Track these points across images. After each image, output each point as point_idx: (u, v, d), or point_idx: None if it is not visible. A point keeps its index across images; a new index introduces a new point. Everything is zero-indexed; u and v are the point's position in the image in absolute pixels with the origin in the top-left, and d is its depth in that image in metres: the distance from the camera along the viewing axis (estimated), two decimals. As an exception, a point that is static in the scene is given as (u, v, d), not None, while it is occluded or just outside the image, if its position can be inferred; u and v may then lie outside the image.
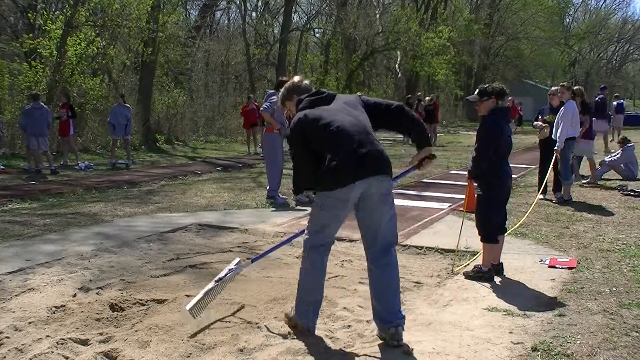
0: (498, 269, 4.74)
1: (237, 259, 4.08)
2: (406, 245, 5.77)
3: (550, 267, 4.94)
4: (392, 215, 3.39)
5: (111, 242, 5.75)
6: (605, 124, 16.58)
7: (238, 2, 29.61)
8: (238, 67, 28.05)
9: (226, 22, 36.32)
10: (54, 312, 3.82)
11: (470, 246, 5.43)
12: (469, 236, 5.35)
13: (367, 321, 3.60)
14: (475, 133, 4.88)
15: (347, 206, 3.30)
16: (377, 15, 30.91)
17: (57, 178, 11.22)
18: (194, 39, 24.68)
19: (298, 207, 7.59)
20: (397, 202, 8.25)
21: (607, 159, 10.97)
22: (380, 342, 3.34)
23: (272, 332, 3.49)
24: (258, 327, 3.57)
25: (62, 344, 3.26)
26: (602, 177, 10.61)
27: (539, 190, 8.05)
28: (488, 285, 4.51)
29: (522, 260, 5.17)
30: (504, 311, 3.91)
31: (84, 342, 3.34)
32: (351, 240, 5.71)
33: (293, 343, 3.34)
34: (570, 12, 56.41)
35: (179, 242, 5.91)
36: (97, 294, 4.20)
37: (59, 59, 15.74)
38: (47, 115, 11.96)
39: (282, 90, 3.71)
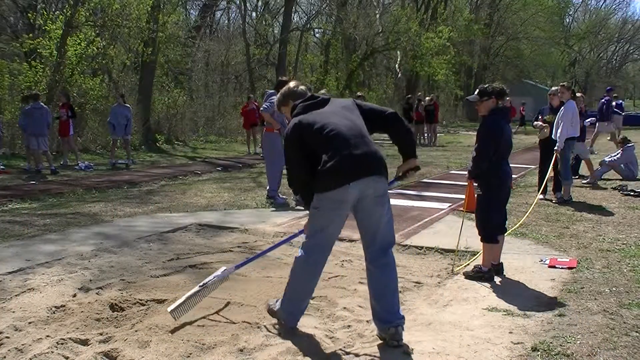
0: (498, 269, 4.74)
1: (223, 267, 4.11)
2: (406, 245, 5.77)
3: (550, 267, 4.94)
4: (390, 217, 3.41)
5: (111, 242, 5.75)
6: (611, 125, 16.61)
7: (238, 2, 29.62)
8: (238, 67, 28.05)
9: (226, 22, 36.38)
10: (54, 312, 3.82)
11: (470, 246, 5.43)
12: (469, 236, 5.35)
13: (367, 321, 3.60)
14: (475, 133, 4.88)
15: (345, 207, 3.30)
16: (377, 15, 30.91)
17: (57, 178, 11.22)
18: (194, 39, 24.68)
19: (298, 207, 7.59)
20: (397, 202, 8.32)
21: (607, 159, 10.97)
22: (380, 342, 3.34)
23: (272, 332, 3.49)
24: (258, 327, 3.57)
25: (62, 344, 3.26)
26: (602, 177, 10.62)
27: (539, 190, 8.05)
28: (488, 285, 4.51)
29: (522, 260, 5.17)
30: (504, 311, 3.91)
31: (84, 342, 3.34)
32: (351, 240, 5.70)
33: (293, 343, 3.34)
34: (570, 12, 56.47)
35: (179, 242, 5.91)
36: (97, 294, 4.20)
37: (59, 59, 15.74)
38: (47, 115, 11.96)
39: (278, 95, 3.74)
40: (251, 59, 26.57)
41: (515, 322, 3.70)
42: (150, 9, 17.57)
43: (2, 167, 12.14)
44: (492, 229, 4.69)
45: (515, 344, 3.36)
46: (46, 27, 16.18)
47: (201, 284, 3.88)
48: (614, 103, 22.02)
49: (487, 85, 4.82)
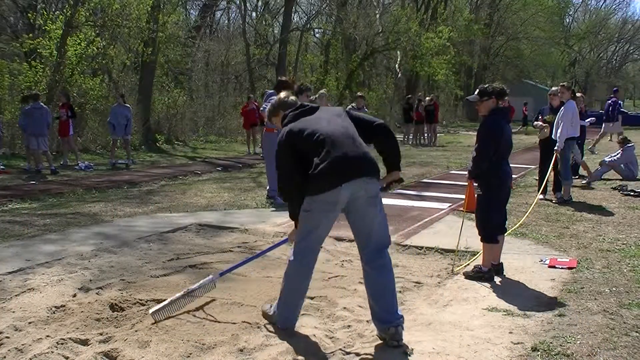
0: (498, 269, 4.74)
1: (210, 276, 4.13)
2: (406, 245, 5.77)
3: (550, 267, 4.94)
4: (383, 217, 3.43)
5: (111, 242, 5.75)
6: (618, 125, 16.61)
7: (238, 2, 29.61)
8: (238, 67, 28.04)
9: (226, 22, 36.35)
10: (54, 312, 3.82)
11: (470, 246, 5.43)
12: (469, 236, 5.35)
13: (367, 321, 3.60)
14: (475, 133, 4.88)
15: (336, 209, 3.33)
16: (377, 15, 30.88)
17: (57, 178, 11.22)
18: (194, 39, 24.67)
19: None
20: (397, 202, 8.32)
21: (607, 159, 10.97)
22: (380, 342, 3.34)
23: (272, 332, 3.49)
24: (258, 327, 3.57)
25: (62, 344, 3.26)
26: (602, 177, 10.62)
27: (539, 190, 8.05)
28: (488, 285, 4.52)
29: (522, 260, 5.17)
30: (504, 311, 3.91)
31: (84, 342, 3.34)
32: (351, 240, 5.67)
33: (293, 343, 3.34)
34: (570, 12, 56.45)
35: (179, 242, 5.91)
36: (97, 294, 4.20)
37: (59, 59, 15.73)
38: (46, 116, 11.96)
39: (268, 106, 3.81)
40: (251, 59, 26.57)
41: (515, 322, 3.70)
42: (150, 9, 17.56)
43: (2, 167, 12.14)
44: (492, 229, 4.69)
45: (515, 344, 3.36)
46: (46, 27, 16.18)
47: (186, 290, 3.91)
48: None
49: (487, 85, 4.82)
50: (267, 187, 8.22)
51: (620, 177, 10.48)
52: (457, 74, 36.90)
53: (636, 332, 3.54)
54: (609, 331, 3.55)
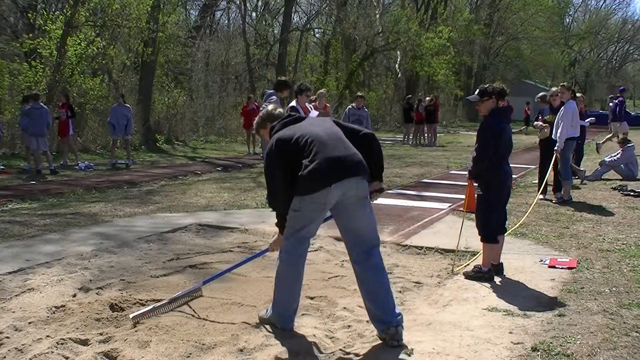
0: (498, 269, 4.74)
1: (194, 284, 4.16)
2: (406, 245, 5.77)
3: (550, 267, 4.94)
4: (372, 218, 3.46)
5: (111, 242, 5.75)
6: (625, 125, 16.59)
7: (238, 2, 29.61)
8: (238, 67, 28.04)
9: (226, 22, 36.33)
10: (54, 312, 3.82)
11: (470, 246, 5.43)
12: (469, 236, 5.35)
13: (367, 321, 3.60)
14: (475, 133, 4.88)
15: (325, 208, 3.37)
16: (377, 15, 30.87)
17: (57, 178, 11.22)
18: (194, 39, 24.66)
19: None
20: (397, 202, 8.31)
21: (607, 159, 10.97)
22: (380, 342, 3.34)
23: (272, 332, 3.49)
24: (258, 327, 3.58)
25: (62, 344, 3.26)
26: (602, 177, 10.62)
27: (539, 190, 8.05)
28: (488, 285, 4.52)
29: (522, 260, 5.17)
30: (504, 311, 3.91)
31: (84, 342, 3.34)
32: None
33: (293, 343, 3.34)
34: (570, 12, 56.44)
35: (179, 242, 5.91)
36: (97, 294, 4.20)
37: (59, 59, 15.73)
38: (46, 116, 11.96)
39: (256, 119, 3.85)
40: (251, 59, 26.57)
41: (515, 322, 3.70)
42: (150, 9, 17.55)
43: (2, 167, 12.14)
44: (492, 229, 4.69)
45: (515, 344, 3.36)
46: (46, 27, 16.17)
47: (171, 297, 3.92)
48: (610, 103, 22.05)
49: (487, 85, 4.82)
50: (267, 187, 8.20)
51: (620, 177, 10.48)
52: (457, 74, 36.89)
53: (636, 332, 3.54)
54: (609, 331, 3.55)
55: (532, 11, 40.29)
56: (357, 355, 3.22)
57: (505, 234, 4.99)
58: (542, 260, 5.12)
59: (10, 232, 6.21)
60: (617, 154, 10.84)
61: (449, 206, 7.92)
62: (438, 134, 21.81)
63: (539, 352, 3.24)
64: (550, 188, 8.42)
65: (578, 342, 3.39)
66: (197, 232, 6.35)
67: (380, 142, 3.52)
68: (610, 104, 22.40)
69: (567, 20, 57.03)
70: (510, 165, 4.82)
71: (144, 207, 7.84)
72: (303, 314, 3.82)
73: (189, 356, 3.19)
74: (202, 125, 22.05)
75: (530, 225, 6.60)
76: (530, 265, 5.00)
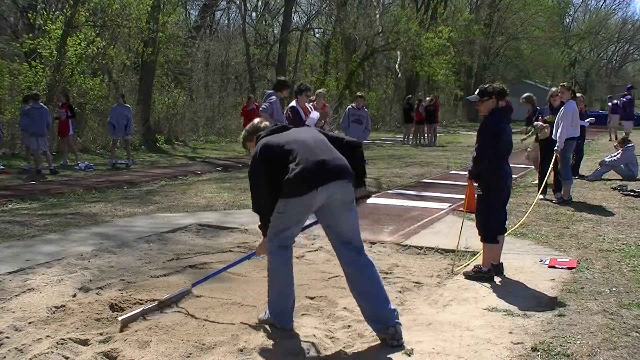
0: (498, 269, 4.74)
1: (183, 288, 4.18)
2: (406, 245, 5.77)
3: (550, 267, 4.94)
4: (357, 222, 3.49)
5: (111, 242, 5.75)
6: (630, 123, 16.58)
7: (238, 2, 29.61)
8: (238, 67, 28.03)
9: (226, 22, 36.32)
10: (54, 312, 3.82)
11: (470, 246, 5.43)
12: (469, 236, 5.35)
13: (367, 321, 3.61)
14: (475, 133, 4.88)
15: (310, 211, 3.41)
16: (377, 15, 30.85)
17: (56, 178, 11.22)
18: (194, 39, 24.66)
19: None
20: (397, 202, 8.31)
21: (607, 159, 10.97)
22: (380, 341, 3.34)
23: (272, 332, 3.49)
24: (258, 327, 3.58)
25: (62, 344, 3.26)
26: (602, 177, 10.61)
27: (539, 190, 8.05)
28: (488, 285, 4.52)
29: (522, 260, 5.17)
30: (504, 311, 3.91)
31: (84, 342, 3.34)
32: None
33: (293, 343, 3.34)
34: (570, 12, 56.37)
35: (178, 242, 5.91)
36: (97, 294, 4.20)
37: (59, 59, 15.73)
38: (46, 116, 11.96)
39: (243, 132, 3.90)
40: (251, 59, 26.56)
41: (515, 322, 3.70)
42: (150, 9, 17.55)
43: (2, 167, 12.14)
44: (492, 229, 4.69)
45: (515, 344, 3.36)
46: (46, 27, 16.17)
47: (160, 301, 3.93)
48: (610, 103, 22.08)
49: (487, 85, 4.82)
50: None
51: (620, 177, 10.48)
52: (457, 74, 36.87)
53: (636, 332, 3.54)
54: (609, 331, 3.55)
55: (532, 11, 40.27)
56: (357, 355, 3.22)
57: (505, 234, 4.99)
58: (542, 260, 5.12)
59: (10, 232, 6.21)
60: (617, 154, 10.84)
61: (449, 206, 7.92)
62: (438, 134, 21.81)
63: (539, 352, 3.24)
64: (550, 188, 8.42)
65: (578, 342, 3.39)
66: (197, 232, 6.35)
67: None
68: (610, 103, 22.42)
69: (567, 20, 57.01)
70: (510, 165, 4.82)
71: (144, 207, 7.84)
72: (303, 314, 3.83)
73: (189, 356, 3.19)
74: (202, 125, 22.05)
75: (530, 225, 6.60)
76: (530, 265, 5.00)
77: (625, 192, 8.89)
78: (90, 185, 10.02)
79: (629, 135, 14.86)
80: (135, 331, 3.49)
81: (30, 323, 3.61)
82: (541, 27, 41.31)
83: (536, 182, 8.96)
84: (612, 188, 9.44)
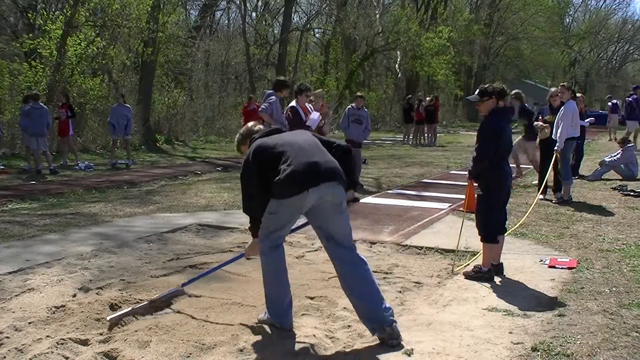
0: (498, 269, 4.74)
1: (174, 288, 4.19)
2: (406, 245, 5.77)
3: (550, 267, 4.94)
4: (348, 224, 3.51)
5: (111, 242, 5.75)
6: (635, 123, 16.55)
7: (238, 2, 29.61)
8: (238, 67, 28.03)
9: (226, 22, 36.32)
10: (54, 312, 3.82)
11: (470, 246, 5.43)
12: (469, 236, 5.35)
13: (367, 321, 3.60)
14: (475, 133, 4.88)
15: (300, 212, 3.43)
16: (377, 15, 30.84)
17: (56, 178, 11.22)
18: (194, 39, 24.66)
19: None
20: (397, 202, 8.31)
21: (607, 159, 10.97)
22: (380, 341, 3.34)
23: (272, 332, 3.49)
24: (258, 327, 3.58)
25: (62, 344, 3.26)
26: (602, 177, 10.61)
27: (539, 191, 8.05)
28: (488, 285, 4.52)
29: (522, 260, 5.17)
30: (504, 311, 3.91)
31: (84, 342, 3.34)
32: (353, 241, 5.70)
33: (293, 343, 3.34)
34: (570, 12, 56.34)
35: (178, 242, 5.91)
36: (97, 294, 4.20)
37: (59, 59, 15.73)
38: (46, 116, 11.96)
39: (237, 136, 3.91)
40: (251, 59, 26.56)
41: (515, 322, 3.70)
42: (150, 9, 17.55)
43: (2, 167, 12.14)
44: (492, 229, 4.69)
45: (515, 344, 3.36)
46: (46, 27, 16.17)
47: (150, 299, 3.94)
48: (609, 103, 22.10)
49: (487, 85, 4.82)
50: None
51: (620, 177, 10.48)
52: (457, 74, 36.86)
53: (636, 332, 3.54)
54: (609, 331, 3.55)
55: (532, 11, 40.26)
56: (357, 355, 3.22)
57: (505, 234, 4.99)
58: (542, 260, 5.12)
59: (10, 232, 6.21)
60: (617, 154, 10.84)
61: (449, 206, 7.92)
62: (438, 134, 21.80)
63: (539, 352, 3.24)
64: (550, 188, 8.42)
65: (578, 342, 3.39)
66: (197, 232, 6.35)
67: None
68: (610, 103, 22.40)
69: (567, 20, 56.98)
70: (510, 165, 4.82)
71: (144, 207, 7.84)
72: (303, 314, 3.83)
73: (189, 356, 3.19)
74: (202, 125, 22.05)
75: (530, 225, 6.60)
76: (530, 265, 5.00)
77: (625, 192, 8.89)
78: (90, 185, 10.02)
79: (629, 135, 14.87)
80: (135, 331, 3.49)
81: (30, 323, 3.61)
82: (541, 27, 41.30)
83: (536, 182, 8.96)
84: (612, 188, 9.44)
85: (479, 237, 4.76)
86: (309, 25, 33.89)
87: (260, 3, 33.39)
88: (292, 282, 3.75)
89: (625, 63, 64.25)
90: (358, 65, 30.21)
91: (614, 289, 4.36)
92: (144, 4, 17.13)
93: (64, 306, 3.91)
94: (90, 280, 4.52)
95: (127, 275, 4.69)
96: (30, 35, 16.61)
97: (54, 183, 10.51)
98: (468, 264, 5.03)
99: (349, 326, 3.63)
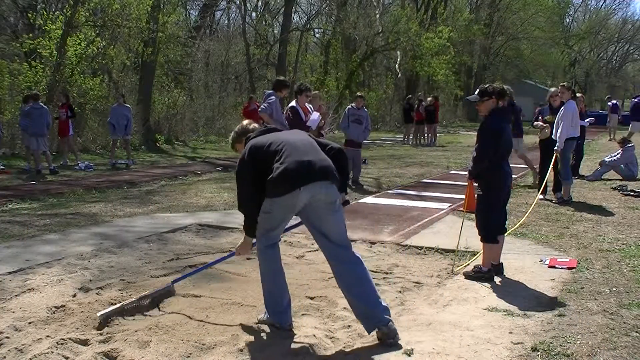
0: (498, 269, 4.74)
1: (167, 284, 4.19)
2: (406, 245, 5.77)
3: (550, 267, 4.94)
4: (343, 223, 3.51)
5: (111, 242, 5.75)
6: (637, 125, 16.54)
7: (238, 2, 29.61)
8: (238, 67, 28.03)
9: (226, 22, 36.33)
10: (54, 312, 3.82)
11: (470, 246, 5.43)
12: (469, 236, 5.35)
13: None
14: (475, 133, 4.88)
15: (294, 210, 3.43)
16: (377, 15, 30.85)
17: (56, 178, 11.22)
18: (194, 39, 24.66)
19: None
20: (397, 202, 8.31)
21: (607, 159, 10.97)
22: (379, 341, 3.34)
23: (272, 332, 3.49)
24: (258, 327, 3.58)
25: (62, 344, 3.26)
26: (602, 177, 10.61)
27: (539, 190, 8.05)
28: (488, 285, 4.52)
29: (522, 260, 5.17)
30: (504, 311, 3.91)
31: (84, 342, 3.34)
32: (352, 241, 5.69)
33: (293, 343, 3.34)
34: (570, 12, 56.35)
35: (178, 242, 5.91)
36: (97, 294, 4.20)
37: (59, 59, 15.73)
38: (46, 116, 11.95)
39: (232, 134, 3.94)
40: (251, 59, 26.56)
41: (515, 322, 3.70)
42: (150, 9, 17.55)
43: (2, 167, 12.14)
44: (492, 229, 4.69)
45: (515, 344, 3.36)
46: (46, 27, 16.17)
47: (141, 295, 3.94)
48: (609, 104, 22.10)
49: (487, 85, 4.82)
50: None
51: (620, 177, 10.48)
52: (457, 74, 36.86)
53: (636, 332, 3.54)
54: (609, 331, 3.55)
55: (532, 11, 40.27)
56: (357, 355, 3.22)
57: (505, 234, 4.99)
58: (542, 260, 5.12)
59: (10, 232, 6.21)
60: (617, 154, 10.84)
61: (449, 206, 7.92)
62: (438, 134, 21.81)
63: (539, 352, 3.24)
64: (550, 188, 8.42)
65: (578, 342, 3.39)
66: (197, 232, 6.35)
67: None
68: (610, 104, 22.40)
69: (567, 20, 56.98)
70: (510, 165, 4.82)
71: (144, 207, 7.84)
72: (303, 314, 3.83)
73: (189, 356, 3.19)
74: (202, 125, 22.04)
75: (530, 225, 6.60)
76: (530, 265, 5.00)
77: (625, 192, 8.89)
78: (90, 185, 10.02)
79: (631, 136, 14.86)
80: (135, 331, 3.49)
81: (30, 323, 3.61)
82: (541, 27, 41.31)
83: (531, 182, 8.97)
84: (612, 188, 9.44)
85: (479, 237, 4.76)
86: (309, 25, 33.90)
87: (260, 3, 33.41)
88: (292, 282, 3.76)
89: (625, 63, 64.24)
90: (358, 65, 30.21)
91: (614, 289, 4.36)
92: (144, 4, 17.13)
93: (64, 306, 3.91)
94: (90, 280, 4.52)
95: (127, 275, 4.68)
96: (30, 35, 16.61)
97: (54, 183, 10.51)
98: (468, 264, 5.03)
99: (349, 326, 3.63)
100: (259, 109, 8.22)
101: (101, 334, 3.45)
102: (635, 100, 17.01)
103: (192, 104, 21.97)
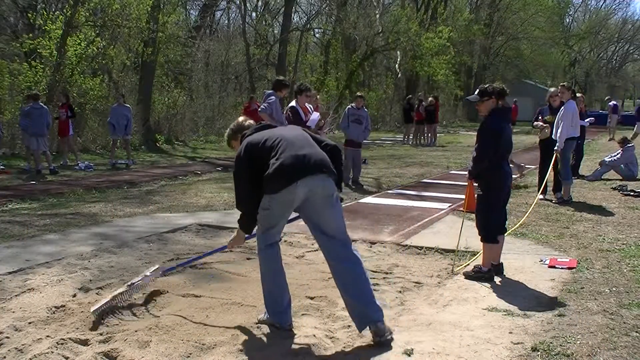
0: (498, 269, 4.74)
1: (157, 266, 4.19)
2: (406, 245, 5.77)
3: (550, 267, 4.94)
4: (341, 217, 3.51)
5: (111, 242, 5.75)
6: None
7: (238, 2, 29.61)
8: (238, 67, 28.03)
9: (226, 22, 36.32)
10: (54, 312, 3.82)
11: (470, 246, 5.43)
12: (469, 236, 5.35)
13: (367, 321, 3.60)
14: (475, 133, 4.88)
15: (292, 205, 3.44)
16: (377, 15, 30.83)
17: (56, 178, 11.22)
18: (194, 39, 24.66)
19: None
20: (397, 202, 8.31)
21: (607, 159, 10.97)
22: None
23: (272, 333, 3.49)
24: (258, 327, 3.58)
25: (62, 344, 3.26)
26: (602, 177, 10.61)
27: (539, 190, 8.05)
28: (488, 285, 4.52)
29: (522, 260, 5.17)
30: (504, 311, 3.91)
31: (84, 342, 3.34)
32: (353, 241, 5.69)
33: (293, 343, 3.34)
34: (570, 12, 56.35)
35: (178, 242, 5.91)
36: (97, 294, 4.20)
37: (59, 59, 15.73)
38: (46, 116, 11.95)
39: (227, 131, 3.92)
40: (251, 59, 26.55)
41: (515, 322, 3.70)
42: (150, 9, 17.55)
43: (2, 167, 12.14)
44: (492, 229, 4.69)
45: (515, 344, 3.36)
46: (46, 27, 16.16)
47: (129, 283, 3.95)
48: (610, 104, 22.11)
49: (487, 85, 4.82)
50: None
51: (620, 177, 10.48)
52: (457, 74, 36.85)
53: (636, 332, 3.54)
54: (609, 331, 3.55)
55: (532, 11, 40.26)
56: (357, 355, 3.22)
57: (505, 234, 4.99)
58: (542, 260, 5.12)
59: (10, 232, 6.21)
60: (617, 154, 10.84)
61: (449, 206, 7.92)
62: (438, 134, 21.81)
63: (539, 352, 3.24)
64: (550, 188, 8.42)
65: (578, 342, 3.39)
66: (197, 232, 6.35)
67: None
68: (610, 104, 22.38)
69: (567, 20, 56.98)
70: (510, 165, 4.83)
71: (144, 207, 7.84)
72: (303, 314, 3.83)
73: (189, 356, 3.19)
74: (202, 125, 22.04)
75: (530, 225, 6.60)
76: (530, 265, 5.00)
77: (625, 192, 8.89)
78: (90, 185, 10.02)
79: (636, 137, 14.86)
80: (135, 331, 3.49)
81: (30, 323, 3.61)
82: (541, 27, 41.30)
83: (537, 181, 8.96)
84: (612, 188, 9.44)
85: (479, 237, 4.76)
86: (309, 25, 33.90)
87: (260, 3, 33.40)
88: (292, 282, 3.75)
89: (625, 63, 64.27)
90: (358, 65, 30.20)
91: (614, 289, 4.36)
92: (144, 4, 17.13)
93: (64, 306, 3.91)
94: (90, 280, 4.52)
95: (127, 275, 4.68)
96: (30, 35, 16.60)
97: (54, 183, 10.51)
98: (468, 264, 5.03)
99: (349, 326, 3.62)
100: (259, 109, 8.22)
101: (101, 334, 3.45)
102: None
103: (192, 104, 21.97)
